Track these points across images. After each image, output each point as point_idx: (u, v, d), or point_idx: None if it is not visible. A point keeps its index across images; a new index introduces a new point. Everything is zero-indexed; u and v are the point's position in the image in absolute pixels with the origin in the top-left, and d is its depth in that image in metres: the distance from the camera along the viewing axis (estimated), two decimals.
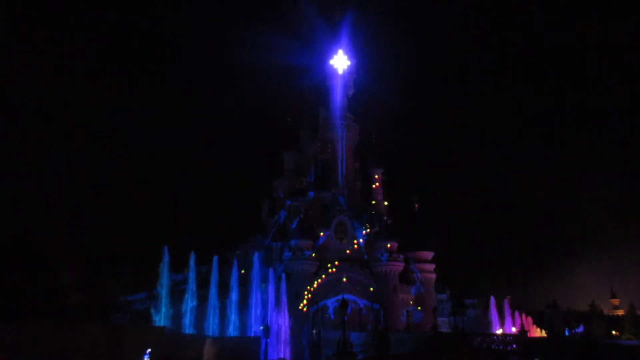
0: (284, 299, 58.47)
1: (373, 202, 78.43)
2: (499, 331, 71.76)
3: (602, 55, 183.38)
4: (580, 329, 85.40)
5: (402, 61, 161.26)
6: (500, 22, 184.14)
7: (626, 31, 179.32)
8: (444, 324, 66.28)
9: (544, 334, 77.38)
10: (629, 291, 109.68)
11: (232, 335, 51.24)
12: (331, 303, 62.84)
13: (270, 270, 69.08)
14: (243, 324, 54.45)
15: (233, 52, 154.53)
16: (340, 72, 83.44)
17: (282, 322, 56.50)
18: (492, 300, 74.10)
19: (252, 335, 51.70)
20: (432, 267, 72.30)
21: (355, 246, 69.87)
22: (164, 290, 45.77)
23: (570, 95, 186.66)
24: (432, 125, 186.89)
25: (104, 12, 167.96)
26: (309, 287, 63.08)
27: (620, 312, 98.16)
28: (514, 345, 44.77)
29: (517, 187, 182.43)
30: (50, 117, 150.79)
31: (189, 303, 48.96)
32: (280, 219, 78.55)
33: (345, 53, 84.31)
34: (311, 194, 75.75)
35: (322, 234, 68.96)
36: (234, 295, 53.46)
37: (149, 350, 32.02)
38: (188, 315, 48.57)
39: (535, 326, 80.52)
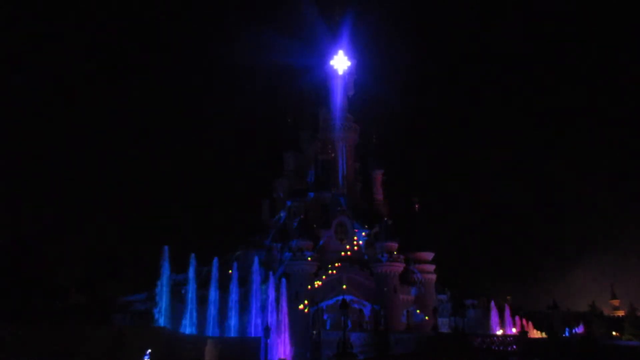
0: (284, 299, 58.46)
1: (373, 202, 78.46)
2: (499, 332, 71.75)
3: (603, 55, 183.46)
4: (580, 328, 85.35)
5: (402, 62, 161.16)
6: (501, 21, 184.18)
7: (626, 31, 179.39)
8: (444, 325, 66.26)
9: (543, 336, 77.35)
10: (630, 292, 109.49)
11: (232, 336, 51.21)
12: (331, 304, 62.80)
13: (270, 272, 69.20)
14: (243, 325, 54.43)
15: (233, 52, 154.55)
16: (340, 72, 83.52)
17: (282, 323, 56.48)
18: (492, 303, 74.16)
19: (252, 335, 51.66)
20: (432, 267, 72.32)
21: (356, 247, 69.87)
22: (164, 291, 45.74)
23: (570, 95, 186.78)
24: (432, 126, 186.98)
25: (104, 12, 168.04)
26: (309, 288, 63.05)
27: (621, 313, 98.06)
28: (514, 346, 44.78)
29: (518, 187, 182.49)
30: (51, 117, 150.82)
31: (190, 304, 48.93)
32: (280, 220, 78.58)
33: (346, 54, 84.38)
34: (311, 194, 75.78)
35: (322, 234, 68.96)
36: (234, 296, 53.44)
37: (149, 350, 32.00)
38: (188, 315, 48.55)
39: (535, 330, 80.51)
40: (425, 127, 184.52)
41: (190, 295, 49.25)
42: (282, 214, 78.73)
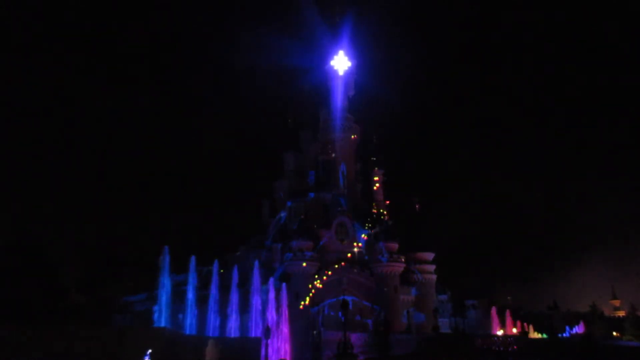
0: (284, 300, 58.45)
1: (374, 203, 78.44)
2: (500, 332, 71.70)
3: (603, 54, 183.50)
4: (579, 328, 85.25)
5: (402, 62, 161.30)
6: (501, 21, 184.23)
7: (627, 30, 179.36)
8: (444, 325, 66.21)
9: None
10: (630, 292, 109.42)
11: (232, 336, 51.20)
12: (331, 304, 62.81)
13: (271, 272, 69.16)
14: (243, 325, 54.43)
15: (234, 53, 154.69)
16: (340, 73, 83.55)
17: (283, 323, 56.47)
18: (492, 305, 74.19)
19: (253, 336, 51.64)
20: (432, 268, 72.27)
21: (356, 247, 69.79)
22: (164, 291, 45.75)
23: (571, 96, 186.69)
24: (433, 126, 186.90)
25: (104, 12, 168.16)
26: (309, 288, 63.02)
27: (621, 314, 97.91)
28: (515, 347, 44.76)
29: (518, 187, 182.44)
30: (51, 117, 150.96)
31: (190, 304, 48.93)
32: (280, 220, 78.57)
33: (346, 54, 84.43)
34: (312, 194, 75.76)
35: (322, 234, 68.92)
36: (234, 297, 53.43)
37: (150, 351, 31.94)
38: (188, 316, 48.54)
39: (536, 333, 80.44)
40: (425, 127, 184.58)
41: (190, 296, 49.26)
42: (283, 215, 78.72)
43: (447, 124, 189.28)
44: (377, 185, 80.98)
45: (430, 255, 72.35)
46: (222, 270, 55.83)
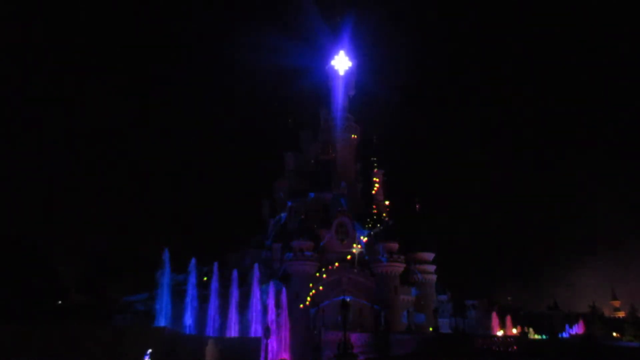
0: (284, 299, 58.46)
1: (374, 203, 78.43)
2: (500, 333, 71.68)
3: (604, 54, 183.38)
4: (577, 328, 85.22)
5: (402, 62, 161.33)
6: (501, 21, 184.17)
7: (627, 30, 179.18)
8: (444, 325, 66.20)
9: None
10: (630, 293, 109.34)
11: (232, 336, 51.22)
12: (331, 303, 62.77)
13: (271, 272, 69.14)
14: (243, 325, 54.44)
15: (235, 53, 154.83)
16: (341, 73, 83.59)
17: (283, 323, 56.48)
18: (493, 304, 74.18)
19: (253, 335, 51.66)
20: (432, 268, 72.23)
21: (356, 247, 69.72)
22: (164, 292, 45.80)
23: (571, 94, 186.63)
24: (433, 126, 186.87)
25: (104, 12, 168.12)
26: (309, 288, 63.00)
27: (621, 314, 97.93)
28: (515, 347, 44.75)
29: (519, 187, 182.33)
30: (52, 117, 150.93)
31: (190, 305, 48.97)
32: (281, 220, 78.60)
33: (347, 54, 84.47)
34: (312, 194, 75.76)
35: (323, 234, 68.91)
36: (234, 296, 53.44)
37: (150, 350, 31.99)
38: (189, 316, 48.58)
39: (536, 335, 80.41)
40: (425, 126, 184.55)
41: (190, 296, 49.30)
42: (283, 215, 78.74)
43: (447, 123, 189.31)
44: (377, 185, 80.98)
45: (430, 256, 72.32)
46: (222, 270, 55.84)
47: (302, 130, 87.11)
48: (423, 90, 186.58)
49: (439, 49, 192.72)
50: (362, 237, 70.91)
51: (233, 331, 52.44)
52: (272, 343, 50.51)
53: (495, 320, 73.22)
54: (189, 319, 48.43)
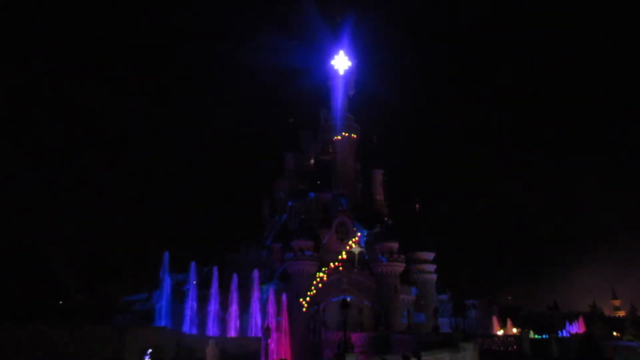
0: (284, 299, 58.48)
1: (374, 202, 78.44)
2: (500, 332, 71.71)
3: (604, 54, 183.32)
4: (577, 327, 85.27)
5: (402, 61, 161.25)
6: (501, 20, 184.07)
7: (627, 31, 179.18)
8: (444, 325, 66.21)
9: None
10: (631, 292, 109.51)
11: (232, 335, 51.27)
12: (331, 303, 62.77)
13: (271, 272, 69.13)
14: (244, 325, 54.50)
15: (234, 52, 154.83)
16: (341, 72, 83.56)
17: (283, 323, 56.53)
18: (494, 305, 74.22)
19: (253, 335, 51.71)
20: (433, 267, 72.23)
21: (355, 246, 69.73)
22: (165, 292, 45.87)
23: (572, 94, 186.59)
24: (433, 126, 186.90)
25: (105, 12, 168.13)
26: (310, 288, 63.02)
27: (622, 314, 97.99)
28: (515, 347, 44.65)
29: (519, 187, 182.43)
30: (52, 118, 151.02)
31: (190, 304, 49.02)
32: (281, 220, 78.61)
33: (346, 54, 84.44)
34: (312, 194, 75.76)
35: (323, 234, 68.88)
36: (234, 297, 53.52)
37: (150, 350, 32.02)
38: (189, 316, 48.63)
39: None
40: (426, 126, 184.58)
41: (191, 297, 49.35)
42: (283, 214, 78.75)
43: (448, 123, 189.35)
44: (378, 185, 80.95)
45: (430, 255, 72.33)
46: (222, 270, 55.87)
47: (302, 130, 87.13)
48: (423, 89, 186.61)
49: (438, 48, 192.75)
50: (362, 237, 70.88)
51: (233, 331, 52.50)
52: (272, 343, 50.57)
53: (495, 320, 73.30)
54: (189, 319, 48.48)
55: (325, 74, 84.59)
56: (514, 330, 77.13)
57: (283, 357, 52.14)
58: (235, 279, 54.93)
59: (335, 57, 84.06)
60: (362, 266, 66.46)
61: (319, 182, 76.38)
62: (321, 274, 64.12)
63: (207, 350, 37.82)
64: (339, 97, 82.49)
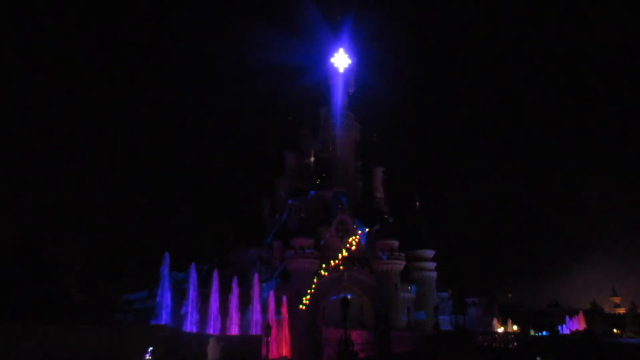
0: (285, 297, 58.46)
1: (374, 200, 78.40)
2: (501, 330, 71.73)
3: (604, 54, 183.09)
4: (576, 323, 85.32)
5: (402, 60, 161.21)
6: (501, 21, 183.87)
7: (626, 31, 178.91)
8: (445, 323, 66.22)
9: None
10: (631, 289, 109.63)
11: (233, 333, 51.26)
12: (331, 301, 62.79)
13: (272, 270, 69.09)
14: (244, 323, 54.47)
15: (234, 51, 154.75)
16: (341, 70, 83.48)
17: (283, 321, 56.53)
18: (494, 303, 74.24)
19: (254, 333, 51.71)
20: (433, 265, 72.21)
21: (356, 245, 69.70)
22: (165, 290, 45.81)
23: (572, 93, 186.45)
24: (433, 124, 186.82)
25: (105, 12, 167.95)
26: (310, 286, 63.01)
27: (622, 311, 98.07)
28: (515, 344, 44.74)
29: (519, 185, 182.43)
30: (53, 118, 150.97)
31: (191, 303, 48.96)
32: (281, 218, 78.58)
33: (346, 52, 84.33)
34: (312, 192, 75.74)
35: (323, 232, 68.89)
36: (235, 295, 53.49)
37: (151, 349, 31.97)
38: (189, 314, 48.58)
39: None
40: (426, 124, 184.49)
41: (191, 294, 49.28)
42: (283, 213, 78.72)
43: (448, 121, 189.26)
44: (378, 182, 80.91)
45: (430, 253, 72.29)
46: (223, 269, 55.83)
47: (302, 129, 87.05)
48: (423, 86, 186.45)
49: (438, 46, 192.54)
50: (362, 235, 70.86)
51: (233, 329, 52.48)
52: (273, 341, 50.58)
53: (495, 317, 73.27)
54: (189, 317, 48.44)
55: (325, 72, 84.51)
56: (514, 327, 77.19)
57: (284, 355, 52.15)
58: (235, 277, 54.89)
59: (335, 55, 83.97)
60: (362, 264, 66.44)
61: (319, 181, 76.38)
62: (322, 272, 64.12)
63: (208, 348, 37.87)
64: (339, 95, 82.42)
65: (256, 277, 56.69)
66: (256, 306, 55.06)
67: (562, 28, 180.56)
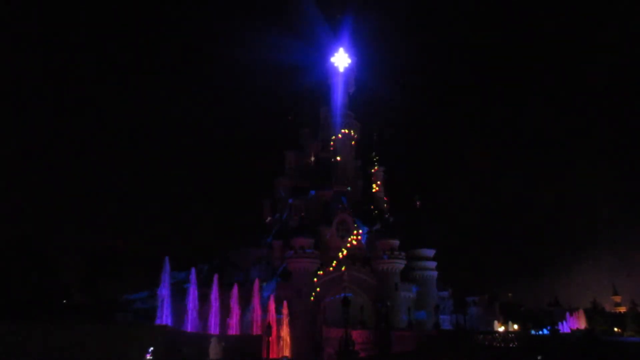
0: (285, 297, 58.46)
1: (374, 200, 78.35)
2: (501, 329, 71.73)
3: (604, 54, 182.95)
4: (575, 321, 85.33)
5: (402, 59, 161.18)
6: (501, 21, 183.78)
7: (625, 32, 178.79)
8: (445, 322, 66.16)
9: None
10: (631, 288, 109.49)
11: (234, 333, 51.29)
12: (332, 301, 62.79)
13: (272, 269, 69.07)
14: (245, 323, 54.50)
15: (234, 50, 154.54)
16: (341, 70, 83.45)
17: (284, 321, 56.55)
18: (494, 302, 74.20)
19: (254, 333, 51.74)
20: (433, 264, 72.14)
21: (357, 244, 69.69)
22: (166, 290, 45.81)
23: (572, 93, 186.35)
24: (433, 123, 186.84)
25: (105, 12, 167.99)
26: (311, 285, 63.00)
27: (622, 309, 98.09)
28: (516, 343, 44.72)
29: (519, 184, 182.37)
30: (53, 118, 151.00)
31: (191, 303, 48.97)
32: (282, 218, 78.57)
33: (346, 51, 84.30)
34: (312, 192, 75.70)
35: (324, 232, 68.85)
36: (235, 295, 53.51)
37: (152, 349, 32.01)
38: (190, 314, 48.59)
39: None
40: (426, 123, 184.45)
41: (191, 296, 49.28)
42: (284, 212, 78.70)
43: (448, 120, 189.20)
44: (378, 182, 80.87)
45: (431, 252, 72.23)
46: (223, 268, 55.83)
47: (303, 128, 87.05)
48: (423, 86, 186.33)
49: (438, 45, 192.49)
50: (362, 234, 70.84)
51: (234, 329, 52.50)
52: (273, 340, 50.62)
53: (496, 316, 73.24)
54: (190, 317, 48.45)
55: (325, 72, 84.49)
56: (515, 326, 77.18)
57: (284, 355, 52.16)
58: (236, 277, 54.90)
59: (335, 54, 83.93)
60: (362, 263, 66.43)
61: (319, 180, 76.33)
62: (322, 272, 64.10)
63: (209, 348, 37.91)
64: (339, 95, 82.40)
65: (257, 276, 56.73)
66: (256, 306, 55.08)
67: (562, 26, 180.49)
